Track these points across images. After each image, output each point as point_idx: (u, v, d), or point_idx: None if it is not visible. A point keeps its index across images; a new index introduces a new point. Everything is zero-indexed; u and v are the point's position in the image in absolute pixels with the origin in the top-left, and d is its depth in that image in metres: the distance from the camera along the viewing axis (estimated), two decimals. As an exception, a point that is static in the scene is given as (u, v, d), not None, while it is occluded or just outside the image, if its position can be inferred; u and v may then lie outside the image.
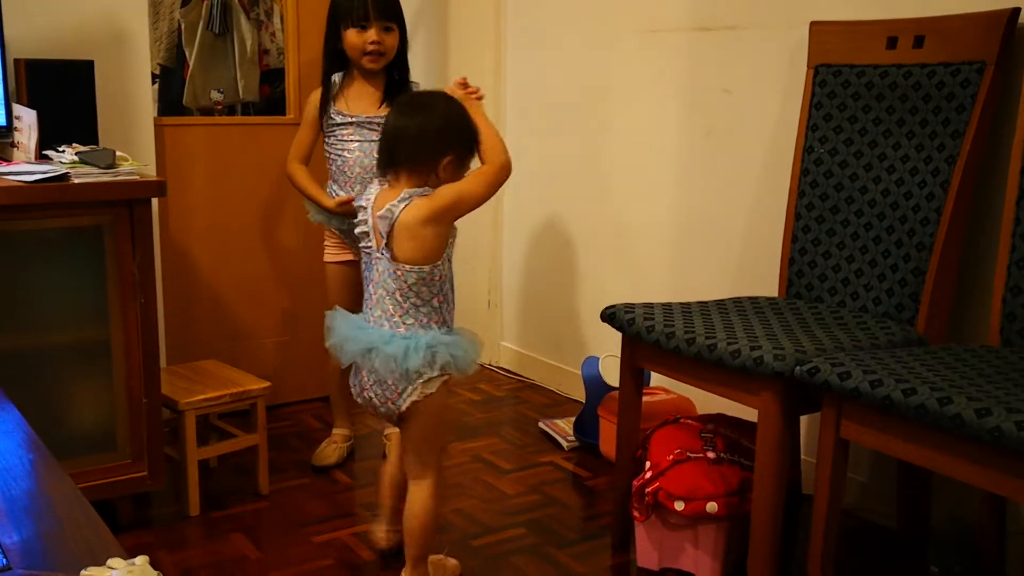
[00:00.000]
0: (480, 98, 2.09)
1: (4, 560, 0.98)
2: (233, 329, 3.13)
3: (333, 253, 2.74)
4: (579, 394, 3.09)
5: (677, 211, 2.92)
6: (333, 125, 2.65)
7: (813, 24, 2.39)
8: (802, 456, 2.50)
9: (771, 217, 2.54)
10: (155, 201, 2.38)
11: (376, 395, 1.97)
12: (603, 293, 3.15)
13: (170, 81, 3.95)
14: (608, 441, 2.72)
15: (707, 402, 2.59)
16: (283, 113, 3.26)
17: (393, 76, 2.68)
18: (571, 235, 3.33)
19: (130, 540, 2.30)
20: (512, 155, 2.01)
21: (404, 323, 1.95)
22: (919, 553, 2.22)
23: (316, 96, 2.69)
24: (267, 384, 2.58)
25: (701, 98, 2.80)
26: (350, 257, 2.72)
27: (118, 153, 2.31)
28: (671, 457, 2.14)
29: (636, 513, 2.17)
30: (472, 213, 1.98)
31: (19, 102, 2.42)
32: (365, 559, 2.26)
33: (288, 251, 3.19)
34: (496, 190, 2.00)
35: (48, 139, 2.35)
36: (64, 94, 2.45)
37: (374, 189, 2.00)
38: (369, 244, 1.98)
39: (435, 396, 1.97)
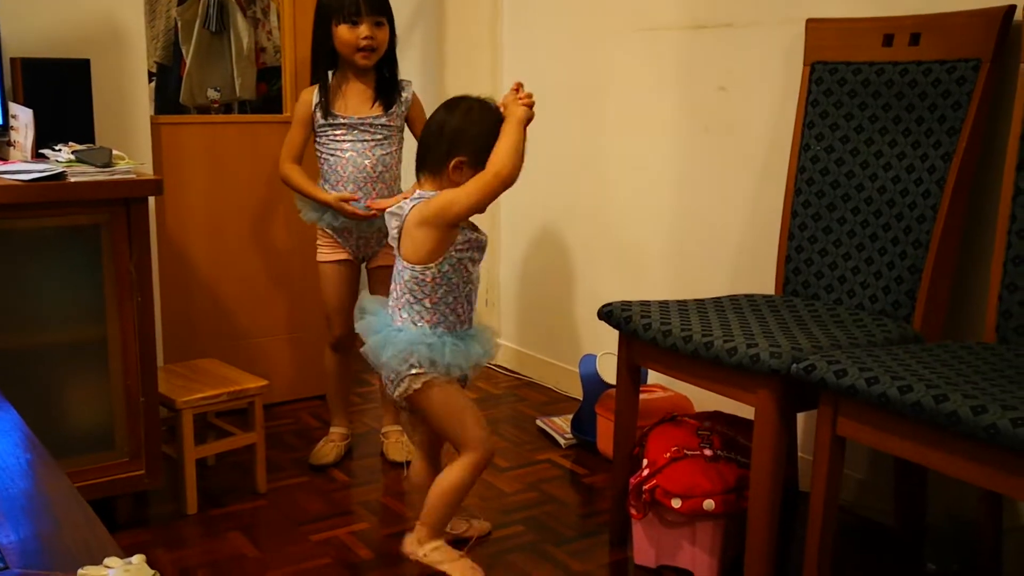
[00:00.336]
0: (528, 104, 2.05)
1: (1, 560, 0.99)
2: (231, 327, 3.13)
3: (326, 253, 2.74)
4: (577, 392, 3.10)
5: (674, 209, 2.92)
6: (326, 126, 2.65)
7: (809, 21, 2.39)
8: (799, 453, 2.50)
9: (767, 215, 2.54)
10: (152, 200, 2.39)
11: (384, 379, 2.09)
12: (600, 291, 3.15)
13: (167, 79, 3.95)
14: (605, 439, 2.72)
15: (704, 400, 2.60)
16: (280, 111, 3.26)
17: (384, 74, 2.68)
18: (568, 233, 3.33)
19: (128, 539, 2.30)
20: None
21: (400, 316, 2.06)
22: (916, 550, 2.23)
23: (307, 95, 2.68)
24: (264, 382, 2.58)
25: (697, 96, 2.80)
26: (344, 256, 2.72)
27: (114, 152, 2.31)
28: (668, 455, 2.14)
29: (633, 511, 2.17)
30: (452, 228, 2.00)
31: (15, 101, 2.42)
32: (363, 557, 2.26)
33: (285, 249, 3.19)
34: (489, 198, 1.99)
35: (44, 138, 2.35)
36: (60, 93, 2.45)
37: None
38: None
39: (427, 392, 1.99)
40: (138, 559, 0.96)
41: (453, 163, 1.99)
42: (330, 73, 2.67)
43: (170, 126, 2.97)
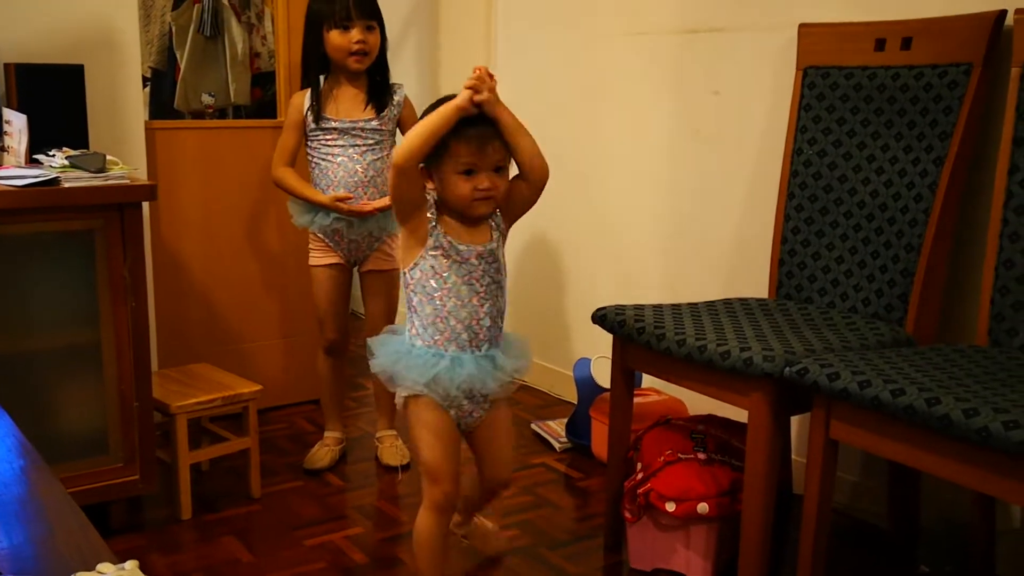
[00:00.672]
0: (471, 87, 1.77)
1: (-6, 565, 0.99)
2: (225, 332, 3.13)
3: (318, 257, 2.74)
4: (571, 395, 3.10)
5: (667, 213, 2.93)
6: (317, 130, 2.65)
7: (801, 26, 2.40)
8: (793, 456, 2.50)
9: (761, 218, 2.55)
10: (146, 205, 2.38)
11: None
12: (594, 295, 3.15)
13: (161, 84, 3.94)
14: (600, 442, 2.73)
15: (698, 403, 2.60)
16: (274, 116, 3.26)
17: (375, 78, 2.68)
18: (562, 237, 3.33)
19: (122, 544, 2.30)
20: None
21: (409, 323, 1.93)
22: (910, 552, 2.23)
23: (299, 99, 2.68)
24: (259, 387, 2.58)
25: (691, 100, 2.81)
26: (335, 260, 2.72)
27: (108, 157, 2.31)
28: (662, 458, 2.14)
29: (628, 514, 2.18)
30: (404, 221, 1.89)
31: (9, 106, 2.42)
32: (357, 562, 2.26)
33: (279, 254, 3.19)
34: (397, 186, 1.81)
35: (38, 143, 2.35)
36: (54, 98, 2.45)
37: None
38: None
39: (406, 409, 1.89)
40: (131, 565, 0.96)
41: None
42: (322, 77, 2.67)
43: (164, 131, 2.97)
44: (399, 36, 4.02)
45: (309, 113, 2.65)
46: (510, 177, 1.87)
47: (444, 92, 3.97)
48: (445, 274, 1.83)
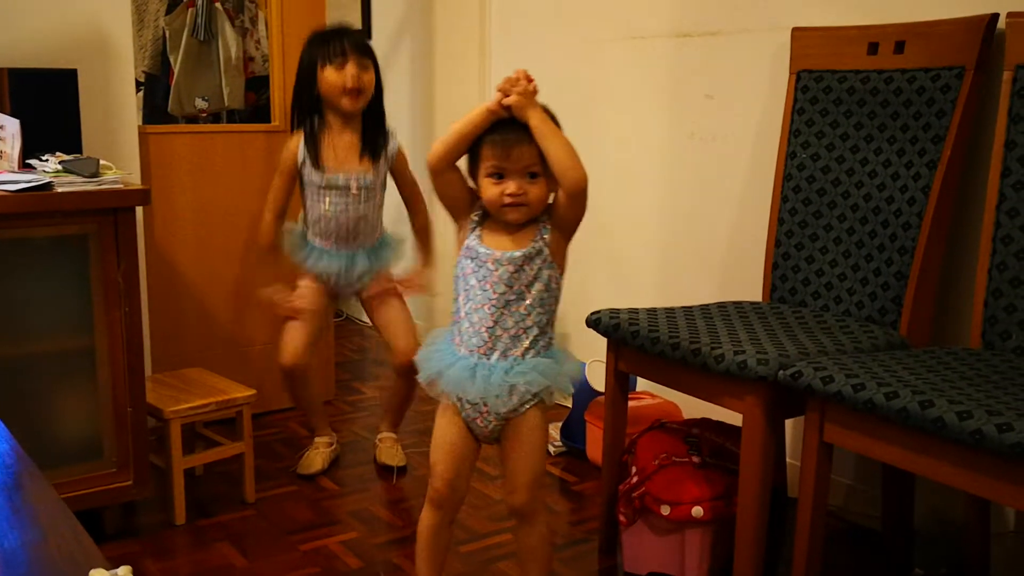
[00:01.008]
0: (502, 90, 1.79)
1: (-13, 571, 0.98)
2: (218, 337, 3.13)
3: (306, 283, 2.72)
4: (565, 399, 3.09)
5: (662, 217, 2.93)
6: (310, 178, 2.63)
7: (795, 30, 2.41)
8: (787, 459, 2.51)
9: (754, 222, 2.55)
10: (139, 209, 2.38)
11: None
12: (588, 299, 3.15)
13: (155, 88, 3.95)
14: (594, 446, 2.73)
15: (692, 407, 2.60)
16: (268, 120, 3.26)
17: (370, 124, 2.66)
18: (557, 241, 3.33)
19: (116, 549, 2.29)
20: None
21: None
22: (904, 555, 2.23)
23: (293, 144, 2.65)
24: (253, 392, 2.57)
25: (685, 104, 2.81)
26: (323, 287, 2.71)
27: (102, 162, 2.31)
28: (657, 462, 2.14)
29: (622, 517, 2.18)
30: (454, 220, 1.92)
31: (2, 111, 2.41)
32: (352, 567, 2.26)
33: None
34: (435, 187, 1.84)
35: (31, 148, 2.34)
36: (47, 103, 2.44)
37: None
38: None
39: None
40: (124, 570, 0.96)
41: None
42: (316, 120, 2.64)
43: (158, 136, 2.97)
44: (392, 44, 4.02)
45: (305, 160, 2.63)
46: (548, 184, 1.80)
47: (438, 99, 3.99)
48: (468, 275, 1.82)
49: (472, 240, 1.82)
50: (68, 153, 2.37)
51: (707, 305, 2.34)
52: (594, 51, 3.11)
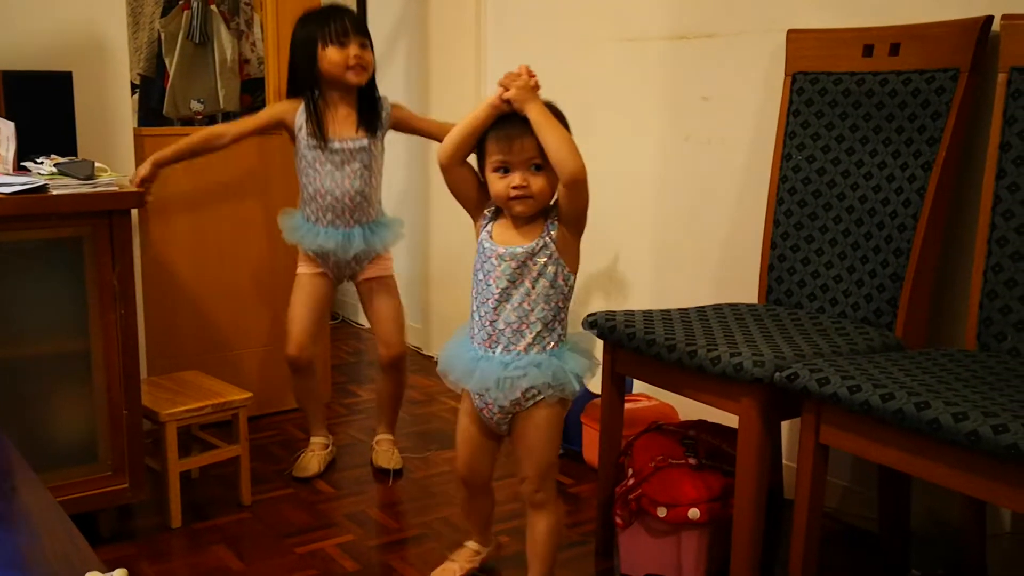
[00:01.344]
0: (503, 85, 1.82)
1: (-18, 575, 0.98)
2: (214, 340, 3.12)
3: (304, 268, 2.73)
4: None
5: (657, 219, 2.93)
6: (314, 147, 2.63)
7: (790, 32, 2.41)
8: (783, 461, 2.51)
9: (750, 224, 2.56)
10: (135, 212, 2.38)
11: None
12: (584, 301, 3.16)
13: (150, 91, 3.95)
14: (591, 448, 2.73)
15: (688, 408, 2.60)
16: (264, 123, 3.25)
17: (366, 98, 2.67)
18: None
19: (112, 552, 2.29)
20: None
21: None
22: (901, 556, 2.23)
23: (291, 107, 2.64)
24: (249, 395, 2.57)
25: (680, 106, 2.82)
26: (321, 270, 2.71)
27: (97, 164, 2.31)
28: (653, 464, 2.14)
29: (619, 520, 2.17)
30: (452, 221, 1.98)
31: (-3, 113, 2.41)
32: (348, 570, 2.25)
33: (269, 260, 3.18)
34: (447, 183, 1.93)
35: (26, 151, 2.34)
36: (42, 105, 2.44)
37: None
38: None
39: None
40: (120, 573, 0.96)
41: None
42: (315, 92, 2.64)
43: (153, 138, 2.95)
44: (388, 44, 4.02)
45: (305, 128, 2.63)
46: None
47: (433, 99, 4.00)
48: (477, 269, 1.90)
49: (483, 235, 1.90)
50: (63, 156, 2.37)
51: (703, 307, 2.34)
52: (590, 52, 3.11)
